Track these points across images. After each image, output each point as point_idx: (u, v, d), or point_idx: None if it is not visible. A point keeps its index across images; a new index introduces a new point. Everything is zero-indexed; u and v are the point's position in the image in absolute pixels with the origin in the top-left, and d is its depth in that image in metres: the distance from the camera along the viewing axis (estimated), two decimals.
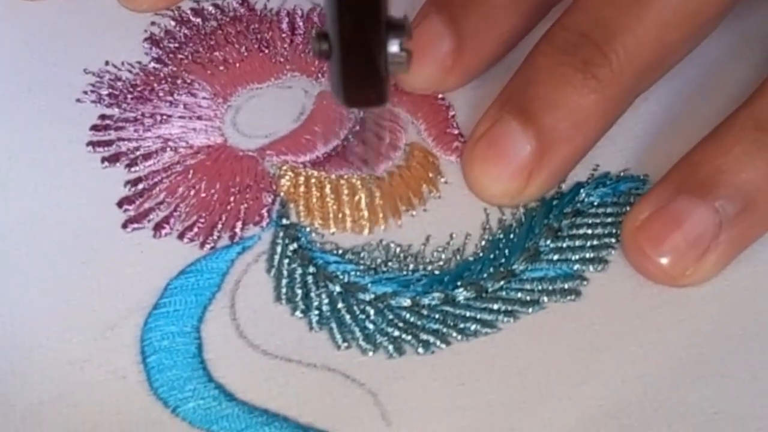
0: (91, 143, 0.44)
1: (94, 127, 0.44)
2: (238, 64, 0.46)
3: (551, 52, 0.41)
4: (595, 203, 0.41)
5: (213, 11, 0.48)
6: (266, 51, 0.47)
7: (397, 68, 0.36)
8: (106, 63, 0.46)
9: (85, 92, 0.45)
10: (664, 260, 0.39)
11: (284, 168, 0.42)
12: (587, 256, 0.40)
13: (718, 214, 0.38)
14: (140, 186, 0.42)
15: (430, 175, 0.42)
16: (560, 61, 0.40)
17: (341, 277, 0.39)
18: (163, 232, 0.41)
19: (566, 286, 0.39)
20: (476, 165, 0.41)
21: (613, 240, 0.40)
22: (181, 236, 0.41)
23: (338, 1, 0.34)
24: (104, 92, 0.45)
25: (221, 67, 0.46)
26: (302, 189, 0.42)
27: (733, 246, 0.39)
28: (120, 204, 0.42)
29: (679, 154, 0.41)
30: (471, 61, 0.44)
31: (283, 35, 0.47)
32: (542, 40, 0.41)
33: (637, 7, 0.40)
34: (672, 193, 0.39)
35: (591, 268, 0.40)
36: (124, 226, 0.41)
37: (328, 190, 0.42)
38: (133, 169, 0.43)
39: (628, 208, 0.41)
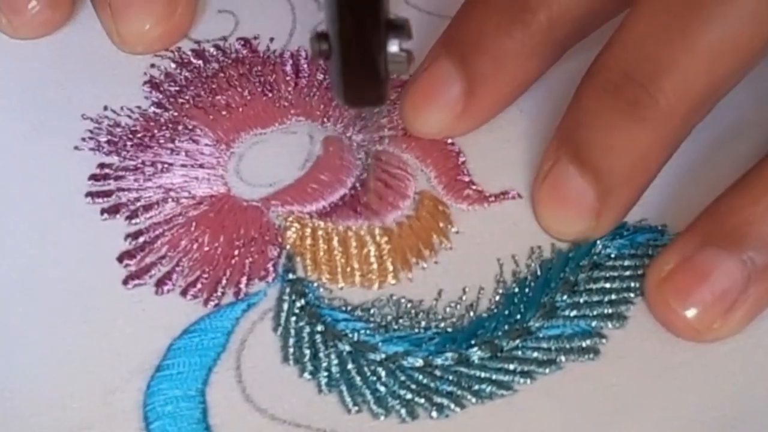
0: (90, 194, 0.42)
1: (93, 177, 0.43)
2: (241, 109, 0.45)
3: (596, 95, 0.39)
4: (612, 255, 0.40)
5: (214, 53, 0.47)
6: (270, 95, 0.45)
7: (396, 68, 0.36)
8: (105, 108, 0.45)
9: (84, 139, 0.44)
10: (690, 313, 0.38)
11: (290, 219, 0.41)
12: (605, 311, 0.39)
13: (746, 266, 0.37)
14: (141, 239, 0.41)
15: (441, 225, 0.41)
16: (605, 105, 0.39)
17: (350, 335, 0.38)
18: (166, 288, 0.40)
19: (584, 345, 0.38)
20: (545, 208, 0.41)
21: (632, 294, 0.39)
22: (184, 293, 0.39)
23: (338, 1, 0.34)
24: (103, 139, 0.44)
25: (224, 112, 0.45)
26: (309, 241, 0.41)
27: (762, 299, 0.38)
28: (120, 259, 0.40)
29: (698, 203, 0.40)
30: (482, 105, 0.43)
31: (287, 78, 0.46)
32: (586, 79, 0.40)
33: (684, 40, 0.38)
34: (698, 245, 0.38)
35: (610, 324, 0.38)
36: (125, 282, 0.40)
37: (335, 242, 0.40)
38: (133, 221, 0.41)
39: (646, 261, 0.40)
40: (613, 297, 0.39)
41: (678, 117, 0.38)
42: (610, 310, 0.39)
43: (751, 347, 0.38)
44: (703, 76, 0.38)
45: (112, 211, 0.42)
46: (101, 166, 0.43)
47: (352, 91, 0.36)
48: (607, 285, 0.39)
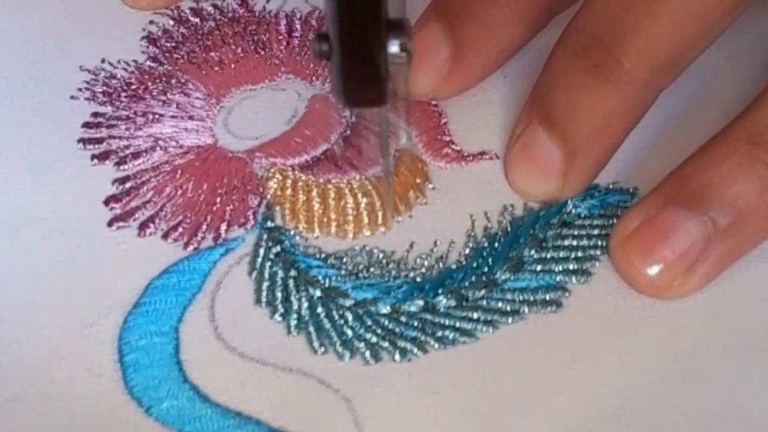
0: (81, 140, 0.44)
1: (86, 125, 0.44)
2: (233, 65, 0.46)
3: (564, 56, 0.40)
4: (582, 215, 0.41)
5: (212, 11, 0.48)
6: (262, 52, 0.46)
7: (397, 68, 0.36)
8: (102, 61, 0.46)
9: (80, 89, 0.45)
10: (651, 271, 0.38)
11: (272, 170, 0.42)
12: (571, 267, 0.40)
13: (707, 227, 0.38)
14: (128, 184, 0.42)
15: (418, 181, 0.42)
16: (573, 65, 0.40)
17: (322, 281, 0.39)
18: (148, 231, 0.41)
19: (548, 297, 0.39)
20: (515, 169, 0.42)
21: (599, 252, 0.40)
22: (165, 236, 0.41)
23: (338, 1, 0.34)
24: (99, 90, 0.45)
25: (216, 68, 0.46)
26: (289, 192, 0.42)
27: (722, 260, 0.39)
28: (107, 202, 0.42)
29: (670, 167, 0.41)
30: (469, 69, 0.44)
31: (280, 37, 0.47)
32: (557, 42, 0.41)
33: (648, 4, 0.39)
34: (661, 205, 0.39)
35: (574, 279, 0.39)
36: (110, 224, 0.41)
37: (314, 193, 0.42)
38: (121, 168, 0.43)
39: (615, 221, 0.41)
40: (580, 254, 0.40)
41: (641, 80, 0.39)
42: (575, 266, 0.40)
43: (708, 305, 0.39)
44: (666, 40, 0.39)
45: (102, 157, 0.43)
46: (95, 114, 0.45)
47: (352, 91, 0.36)
48: (575, 242, 0.40)
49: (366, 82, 0.36)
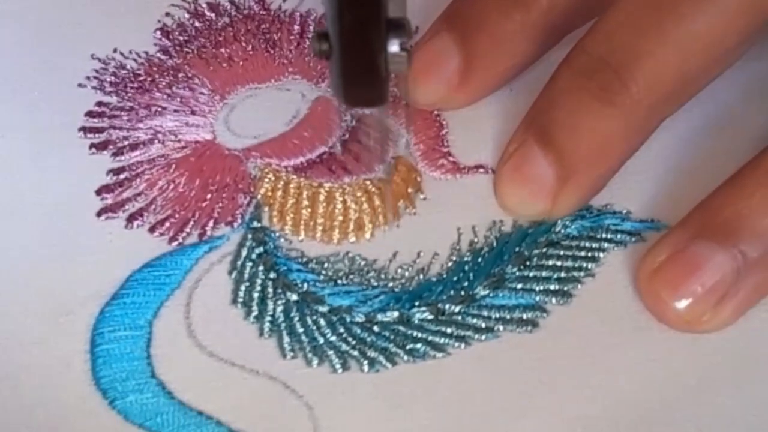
0: (83, 128, 0.44)
1: (89, 113, 0.45)
2: (241, 63, 0.46)
3: (570, 76, 0.40)
4: (571, 235, 0.40)
5: (228, 7, 0.48)
6: (272, 51, 0.47)
7: (397, 68, 0.36)
8: (114, 50, 0.47)
9: (88, 77, 0.46)
10: (680, 305, 0.38)
11: (266, 170, 0.42)
12: (552, 288, 0.39)
13: (737, 259, 0.37)
14: (122, 176, 0.42)
15: (410, 190, 0.42)
16: (579, 86, 0.39)
17: (300, 286, 0.39)
18: (136, 223, 0.41)
19: (525, 317, 0.39)
20: (504, 186, 0.41)
21: (582, 274, 0.40)
22: (151, 229, 0.41)
23: (338, 1, 0.34)
24: (107, 79, 0.46)
25: (224, 64, 0.46)
26: (280, 193, 0.42)
27: (752, 293, 0.38)
28: (99, 192, 0.42)
29: (665, 191, 0.41)
30: (478, 82, 0.44)
31: (291, 37, 0.47)
32: (563, 62, 0.41)
33: (658, 32, 0.38)
34: (690, 237, 0.38)
35: (554, 300, 0.39)
36: (98, 214, 0.41)
37: (304, 195, 0.42)
38: (118, 158, 0.43)
39: (604, 244, 0.40)
40: (563, 275, 0.40)
41: (646, 106, 0.39)
42: (556, 287, 0.39)
43: (686, 341, 0.38)
44: (674, 68, 0.38)
45: (101, 146, 0.43)
46: (99, 104, 0.45)
47: (353, 91, 0.36)
48: (559, 263, 0.40)
49: (366, 82, 0.36)
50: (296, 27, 0.47)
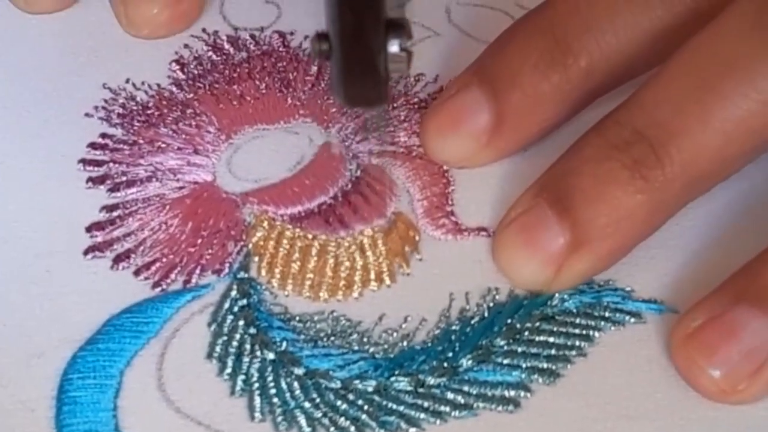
0: (83, 161, 0.43)
1: (92, 145, 0.44)
2: (252, 101, 0.45)
3: (600, 145, 0.38)
4: (567, 310, 0.39)
5: (248, 42, 0.47)
6: (285, 91, 0.45)
7: (397, 68, 0.35)
8: (127, 81, 0.46)
9: (96, 108, 0.45)
10: (715, 372, 0.36)
11: (261, 218, 0.41)
12: (539, 365, 0.37)
13: None
14: (115, 213, 0.41)
15: (406, 249, 0.40)
16: (608, 156, 0.38)
17: (279, 344, 0.38)
18: (122, 265, 0.40)
19: (506, 395, 0.37)
20: (506, 249, 0.39)
21: (574, 353, 0.38)
22: (137, 272, 0.40)
23: (338, 1, 0.34)
24: (115, 110, 0.45)
25: (235, 102, 0.45)
26: (272, 243, 0.40)
27: None
28: (89, 229, 0.41)
29: (673, 273, 0.39)
30: (506, 141, 0.42)
31: (307, 78, 0.46)
32: (592, 130, 0.39)
33: (701, 111, 0.37)
34: (728, 302, 0.36)
35: (540, 379, 0.37)
36: (86, 252, 0.40)
37: (297, 248, 0.40)
38: (113, 195, 0.42)
39: (601, 323, 0.38)
40: (553, 352, 0.38)
41: (678, 186, 0.37)
42: (544, 365, 0.37)
43: (678, 426, 0.36)
44: (712, 150, 0.37)
45: (98, 181, 0.42)
46: (103, 135, 0.44)
47: (352, 91, 0.36)
48: (551, 339, 0.38)
49: (366, 82, 0.36)
50: (314, 68, 0.46)
